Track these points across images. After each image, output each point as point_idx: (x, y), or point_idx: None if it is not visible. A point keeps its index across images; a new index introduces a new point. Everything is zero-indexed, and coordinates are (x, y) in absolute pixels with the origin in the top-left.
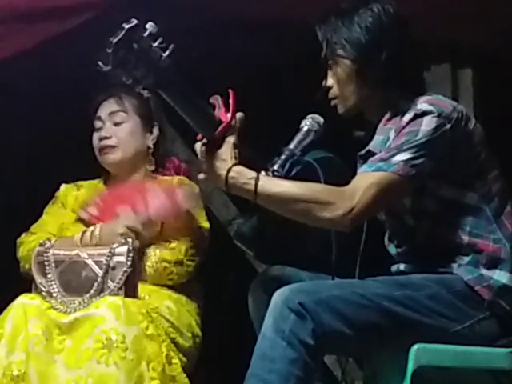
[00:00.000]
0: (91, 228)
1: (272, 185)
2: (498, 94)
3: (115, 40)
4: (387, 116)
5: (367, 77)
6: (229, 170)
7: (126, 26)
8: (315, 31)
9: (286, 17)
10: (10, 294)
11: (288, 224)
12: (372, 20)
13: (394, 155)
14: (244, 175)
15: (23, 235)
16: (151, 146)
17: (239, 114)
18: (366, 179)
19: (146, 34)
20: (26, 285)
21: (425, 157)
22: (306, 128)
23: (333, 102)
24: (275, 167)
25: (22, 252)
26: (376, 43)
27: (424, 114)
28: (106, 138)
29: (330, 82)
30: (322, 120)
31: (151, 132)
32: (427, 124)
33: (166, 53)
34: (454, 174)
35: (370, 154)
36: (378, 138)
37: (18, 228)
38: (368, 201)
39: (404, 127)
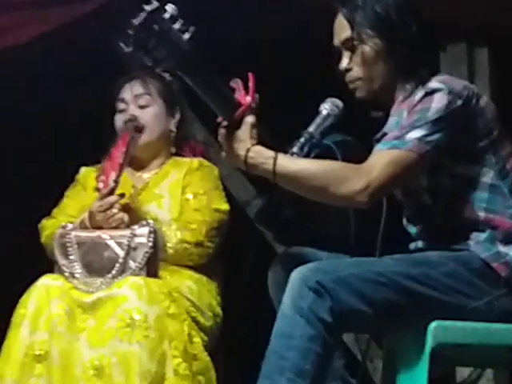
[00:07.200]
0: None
1: (290, 163)
2: None
3: (137, 22)
4: (401, 98)
5: (395, 55)
6: (248, 151)
7: (148, 8)
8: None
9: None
10: (32, 276)
11: (307, 205)
12: None
13: (407, 133)
14: (262, 155)
15: (44, 220)
16: (174, 130)
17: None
18: (382, 157)
19: (166, 15)
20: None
21: (438, 133)
22: (325, 112)
23: (352, 85)
24: (294, 150)
25: (44, 237)
26: (404, 19)
27: (434, 91)
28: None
29: (350, 64)
30: (341, 104)
31: (174, 116)
32: (438, 101)
33: (187, 35)
34: (468, 151)
35: (385, 136)
36: (392, 120)
37: (36, 212)
38: (384, 177)
39: (415, 105)
